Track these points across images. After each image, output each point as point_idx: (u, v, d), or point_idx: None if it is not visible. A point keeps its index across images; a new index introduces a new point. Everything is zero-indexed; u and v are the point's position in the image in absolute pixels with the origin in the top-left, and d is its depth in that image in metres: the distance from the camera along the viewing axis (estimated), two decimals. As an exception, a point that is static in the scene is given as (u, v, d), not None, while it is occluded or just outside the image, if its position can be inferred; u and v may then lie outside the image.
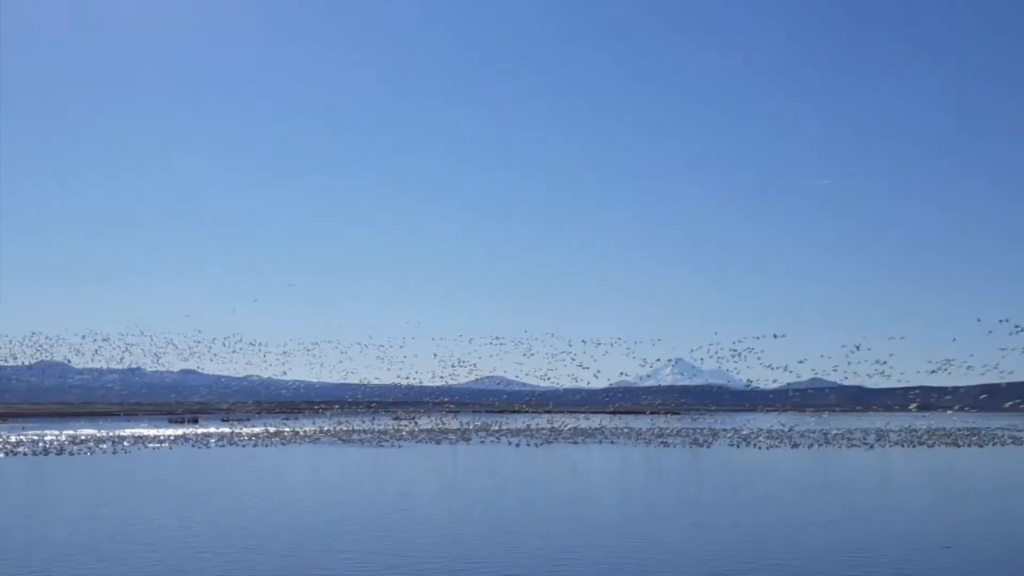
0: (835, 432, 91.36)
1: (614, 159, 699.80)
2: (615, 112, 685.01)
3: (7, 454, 60.54)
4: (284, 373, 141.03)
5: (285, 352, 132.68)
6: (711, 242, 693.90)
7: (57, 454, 60.84)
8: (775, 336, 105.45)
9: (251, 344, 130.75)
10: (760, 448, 68.40)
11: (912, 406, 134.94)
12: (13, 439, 79.15)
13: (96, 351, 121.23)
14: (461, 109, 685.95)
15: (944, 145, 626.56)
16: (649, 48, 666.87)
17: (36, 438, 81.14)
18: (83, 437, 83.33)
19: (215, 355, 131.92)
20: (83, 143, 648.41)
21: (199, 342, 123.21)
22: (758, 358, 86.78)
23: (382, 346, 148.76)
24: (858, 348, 79.79)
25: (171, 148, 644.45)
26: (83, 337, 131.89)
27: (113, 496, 34.04)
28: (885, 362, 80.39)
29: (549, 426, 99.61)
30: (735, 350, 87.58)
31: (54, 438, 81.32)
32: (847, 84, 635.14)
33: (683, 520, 26.87)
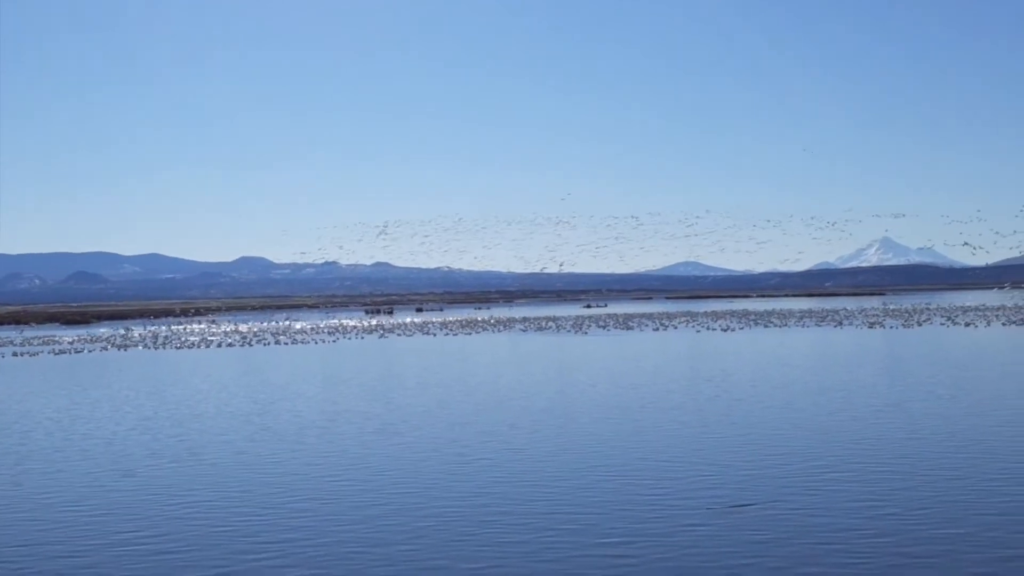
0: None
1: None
2: None
3: (224, 345, 63.74)
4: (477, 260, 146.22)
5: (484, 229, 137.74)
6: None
7: (265, 345, 63.51)
8: None
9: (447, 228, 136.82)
10: (976, 327, 63.98)
11: None
12: (219, 329, 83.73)
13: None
14: None
15: None
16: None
17: (250, 329, 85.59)
18: (299, 328, 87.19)
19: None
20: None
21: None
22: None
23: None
24: None
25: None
26: None
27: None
28: None
29: (745, 309, 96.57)
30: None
31: (259, 329, 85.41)
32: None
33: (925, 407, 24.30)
